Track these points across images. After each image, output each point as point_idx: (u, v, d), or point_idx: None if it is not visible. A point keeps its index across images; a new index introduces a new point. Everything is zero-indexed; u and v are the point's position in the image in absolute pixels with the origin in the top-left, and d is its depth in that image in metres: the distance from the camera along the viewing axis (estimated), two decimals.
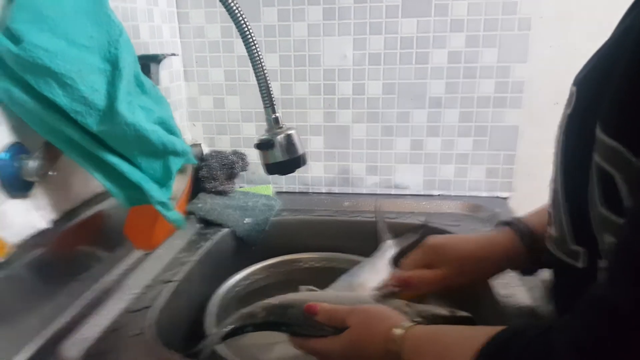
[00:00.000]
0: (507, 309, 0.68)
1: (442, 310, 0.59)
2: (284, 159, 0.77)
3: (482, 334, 0.43)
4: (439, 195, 1.12)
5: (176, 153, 0.64)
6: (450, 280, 0.63)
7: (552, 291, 0.56)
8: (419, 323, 0.53)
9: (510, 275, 0.74)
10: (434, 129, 1.08)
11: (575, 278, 0.47)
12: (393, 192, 1.14)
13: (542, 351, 0.37)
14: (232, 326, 0.62)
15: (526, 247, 0.61)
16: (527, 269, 0.64)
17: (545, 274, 0.68)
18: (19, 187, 0.63)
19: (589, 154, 0.40)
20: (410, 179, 1.13)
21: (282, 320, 0.61)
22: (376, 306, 0.58)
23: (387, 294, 0.64)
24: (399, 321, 0.53)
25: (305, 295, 0.64)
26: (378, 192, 1.15)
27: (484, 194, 1.11)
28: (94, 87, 0.59)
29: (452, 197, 1.11)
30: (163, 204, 0.65)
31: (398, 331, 0.51)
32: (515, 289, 0.72)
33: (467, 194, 1.11)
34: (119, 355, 0.60)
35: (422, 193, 1.13)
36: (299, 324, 0.60)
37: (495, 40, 1.01)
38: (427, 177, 1.12)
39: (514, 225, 0.63)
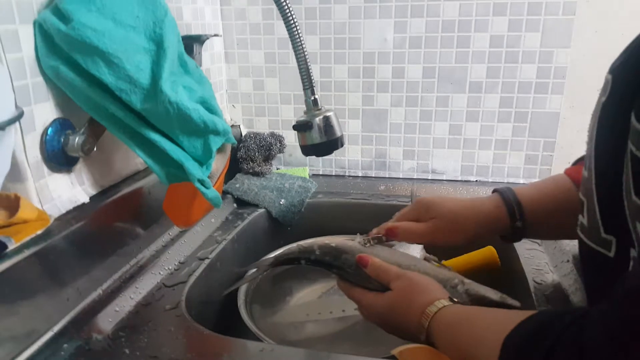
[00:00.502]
0: (538, 296, 0.67)
1: (493, 295, 0.58)
2: (322, 140, 0.77)
3: (513, 319, 0.43)
4: (476, 181, 1.11)
5: (216, 132, 0.65)
6: (433, 235, 0.65)
7: (583, 279, 0.55)
8: (462, 302, 0.54)
9: (543, 262, 0.73)
10: (474, 114, 1.06)
11: (607, 267, 0.46)
12: (430, 177, 1.13)
13: (574, 341, 0.37)
14: (288, 256, 0.68)
15: (510, 216, 0.63)
16: (506, 236, 0.66)
17: (576, 261, 0.68)
18: (63, 162, 0.65)
19: (624, 143, 0.39)
20: (447, 164, 1.11)
21: (335, 263, 0.66)
22: (424, 277, 0.59)
23: (372, 239, 0.68)
24: (437, 297, 0.54)
25: (361, 247, 0.67)
26: (415, 176, 1.13)
27: (522, 181, 1.08)
28: (139, 66, 0.60)
29: (490, 184, 1.09)
30: (202, 182, 0.66)
31: (432, 309, 0.52)
32: (547, 276, 0.71)
33: (505, 180, 1.09)
34: (151, 328, 0.62)
35: (459, 179, 1.11)
36: (350, 271, 0.64)
37: (538, 25, 0.98)
38: (465, 162, 1.10)
39: (504, 193, 0.65)
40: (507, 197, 0.64)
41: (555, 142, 1.05)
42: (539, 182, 0.67)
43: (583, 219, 0.51)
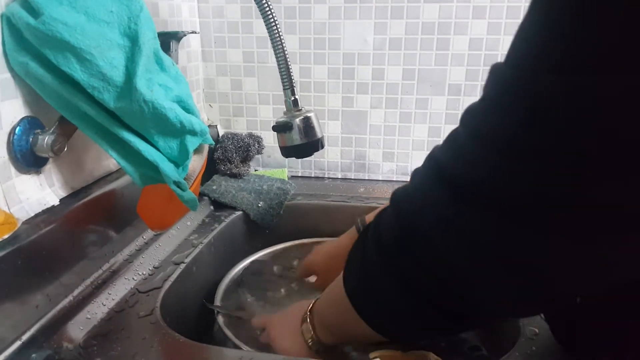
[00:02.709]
0: None
1: None
2: (302, 142, 0.76)
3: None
4: None
5: (194, 132, 0.63)
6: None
7: None
8: None
9: None
10: (453, 116, 1.06)
11: None
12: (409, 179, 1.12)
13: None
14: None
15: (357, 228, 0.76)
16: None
17: None
18: (32, 163, 0.62)
19: None
20: None
21: None
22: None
23: None
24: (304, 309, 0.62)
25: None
26: (394, 179, 1.13)
27: None
28: (112, 63, 0.58)
29: None
30: (178, 184, 0.64)
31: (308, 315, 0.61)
32: None
33: None
34: (125, 336, 0.60)
35: None
36: None
37: (516, 28, 0.98)
38: None
39: (357, 224, 0.76)
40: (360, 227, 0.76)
41: None
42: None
43: None
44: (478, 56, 1.01)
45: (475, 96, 1.03)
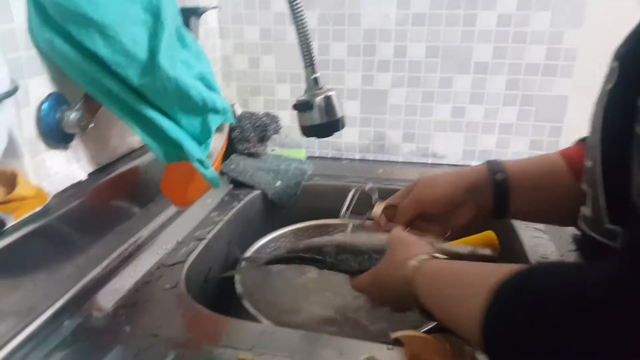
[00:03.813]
0: None
1: (464, 249, 0.61)
2: (322, 121, 0.75)
3: (504, 269, 0.41)
4: None
5: (216, 110, 0.63)
6: (416, 201, 0.66)
7: None
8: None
9: (550, 251, 0.73)
10: (478, 96, 1.04)
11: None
12: (430, 161, 1.11)
13: (573, 285, 0.36)
14: (273, 255, 0.71)
15: (488, 169, 0.64)
16: (492, 203, 0.65)
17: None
18: (60, 138, 0.63)
19: (631, 128, 0.39)
20: (448, 148, 1.10)
21: (318, 257, 0.68)
22: (408, 235, 0.61)
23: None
24: (420, 252, 0.55)
25: (337, 237, 0.70)
26: (414, 160, 1.12)
27: None
28: (135, 39, 0.58)
29: None
30: (201, 162, 0.65)
31: (412, 262, 0.53)
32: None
33: None
34: (150, 306, 0.62)
35: (460, 163, 1.10)
36: (332, 260, 0.66)
37: (548, 3, 0.95)
38: (467, 146, 1.09)
39: (492, 162, 0.65)
40: (490, 160, 0.66)
41: (561, 128, 1.03)
42: (533, 157, 0.67)
43: (586, 210, 0.50)
44: (506, 33, 0.99)
45: (503, 74, 1.02)
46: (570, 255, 0.71)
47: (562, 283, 0.37)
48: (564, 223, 0.68)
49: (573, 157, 0.60)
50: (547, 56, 0.99)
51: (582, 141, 0.62)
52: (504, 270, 0.41)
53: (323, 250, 0.67)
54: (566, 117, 1.02)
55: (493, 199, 0.64)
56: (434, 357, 0.46)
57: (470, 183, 0.64)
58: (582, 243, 0.53)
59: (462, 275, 0.48)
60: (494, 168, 0.64)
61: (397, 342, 0.52)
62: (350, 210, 0.78)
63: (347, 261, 0.65)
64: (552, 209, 0.63)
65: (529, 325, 0.36)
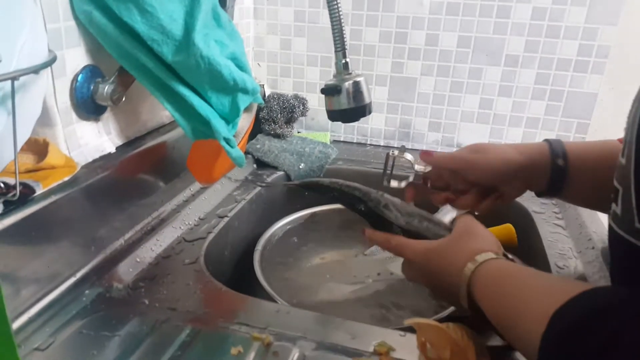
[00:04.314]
0: None
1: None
2: (349, 106, 0.75)
3: (566, 290, 0.41)
4: None
5: (245, 90, 0.64)
6: (468, 160, 0.62)
7: (610, 269, 0.54)
8: None
9: (567, 247, 0.72)
10: (507, 88, 1.03)
11: (637, 258, 0.44)
12: (454, 150, 1.10)
13: (632, 337, 0.35)
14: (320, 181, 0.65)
15: (551, 151, 0.60)
16: (546, 183, 0.61)
17: (603, 249, 0.68)
18: (92, 110, 0.65)
19: None
20: (474, 139, 1.08)
21: (363, 197, 0.62)
22: (481, 227, 0.57)
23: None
24: (489, 249, 0.52)
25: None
26: (438, 149, 1.11)
27: None
28: (172, 17, 0.58)
29: None
30: (228, 140, 0.66)
31: (477, 258, 0.50)
32: (571, 261, 0.70)
33: None
34: (170, 281, 0.63)
35: None
36: (375, 206, 0.61)
37: None
38: (492, 138, 1.08)
39: (553, 143, 0.61)
40: (551, 140, 0.62)
41: (589, 125, 1.01)
42: (599, 142, 0.63)
43: (616, 207, 0.49)
44: (540, 27, 0.97)
45: (533, 68, 1.00)
46: (589, 253, 0.70)
47: (620, 334, 0.35)
48: None
49: None
50: (579, 52, 0.97)
51: None
52: (567, 290, 0.40)
53: (370, 195, 0.62)
54: (594, 114, 1.00)
55: (548, 182, 0.61)
56: (445, 346, 0.46)
57: (529, 159, 0.61)
58: (610, 240, 0.52)
59: (525, 290, 0.46)
60: (555, 150, 0.60)
61: (410, 329, 0.51)
62: (391, 175, 0.72)
63: (394, 214, 0.60)
64: (606, 197, 0.61)
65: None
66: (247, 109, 0.74)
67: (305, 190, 0.69)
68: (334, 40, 0.73)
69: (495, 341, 0.52)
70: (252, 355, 0.50)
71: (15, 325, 0.52)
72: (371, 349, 0.51)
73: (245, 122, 0.73)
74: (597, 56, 0.96)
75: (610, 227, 0.50)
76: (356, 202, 0.63)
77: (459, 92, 1.06)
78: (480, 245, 0.52)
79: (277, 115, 1.09)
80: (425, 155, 0.65)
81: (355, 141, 1.17)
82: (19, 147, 0.46)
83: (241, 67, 0.65)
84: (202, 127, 0.65)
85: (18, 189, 0.50)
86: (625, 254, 0.48)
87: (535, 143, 0.63)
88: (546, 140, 0.62)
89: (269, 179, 0.97)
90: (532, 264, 0.74)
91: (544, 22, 0.96)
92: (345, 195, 0.64)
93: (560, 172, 0.60)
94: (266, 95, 1.13)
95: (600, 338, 0.36)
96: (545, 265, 0.69)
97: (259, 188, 0.92)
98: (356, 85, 0.75)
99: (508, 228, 0.79)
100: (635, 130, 0.45)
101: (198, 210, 0.81)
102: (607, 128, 1.00)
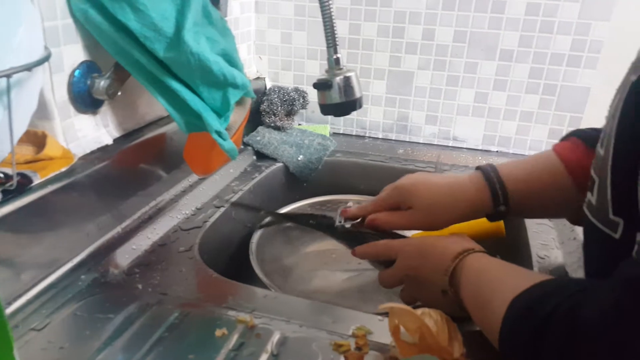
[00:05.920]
0: (540, 271, 0.68)
1: None
2: (340, 101, 0.77)
3: (528, 280, 0.45)
4: (497, 151, 1.10)
5: (235, 85, 0.66)
6: (413, 225, 0.65)
7: (584, 257, 0.56)
8: None
9: (550, 237, 0.74)
10: (501, 83, 1.04)
11: (610, 248, 0.46)
12: (451, 144, 1.12)
13: (566, 317, 0.39)
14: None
15: (493, 201, 0.61)
16: (489, 216, 0.64)
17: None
18: (89, 104, 0.67)
19: None
20: (470, 132, 1.10)
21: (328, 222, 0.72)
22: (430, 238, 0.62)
23: (353, 229, 0.70)
24: (468, 247, 0.57)
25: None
26: (435, 142, 1.13)
27: None
28: (164, 15, 0.61)
29: (510, 155, 1.08)
30: (219, 133, 0.68)
31: (462, 255, 0.55)
32: (552, 251, 0.72)
33: (526, 152, 1.08)
34: (164, 267, 0.65)
35: (480, 148, 1.10)
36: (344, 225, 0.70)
37: None
38: (487, 132, 1.09)
39: (487, 174, 0.62)
40: (491, 180, 0.62)
41: (581, 118, 1.02)
42: (525, 160, 0.64)
43: (592, 197, 0.50)
44: (534, 22, 0.98)
45: (527, 63, 1.01)
46: (570, 244, 0.72)
47: (557, 314, 0.40)
48: (556, 216, 0.71)
49: (571, 160, 0.60)
50: (572, 47, 0.97)
51: (577, 136, 0.62)
52: (531, 280, 0.45)
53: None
54: (587, 108, 1.01)
55: (493, 219, 0.65)
56: (416, 329, 0.48)
57: (472, 215, 0.64)
58: (585, 229, 0.53)
59: (496, 281, 0.50)
60: (495, 196, 0.61)
61: (387, 314, 0.54)
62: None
63: (367, 234, 0.67)
64: (547, 210, 0.65)
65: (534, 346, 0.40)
66: (240, 103, 0.76)
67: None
68: (326, 37, 0.75)
69: (472, 327, 0.54)
70: (235, 336, 0.52)
71: (14, 307, 0.55)
72: (350, 332, 0.54)
73: (237, 115, 0.75)
74: (590, 51, 0.97)
75: (585, 216, 0.52)
76: (327, 226, 0.73)
77: (455, 86, 1.07)
78: (467, 246, 0.57)
79: (278, 107, 1.11)
80: (344, 213, 0.71)
81: (354, 133, 1.19)
82: (15, 140, 0.49)
83: (232, 62, 0.68)
84: (194, 121, 0.67)
85: (15, 178, 0.53)
86: (598, 243, 0.49)
87: (474, 191, 0.62)
88: (486, 185, 0.62)
89: (267, 170, 0.99)
90: (517, 254, 0.76)
91: (538, 17, 0.97)
92: (315, 219, 0.76)
93: (501, 215, 0.62)
94: (267, 87, 1.16)
95: (539, 318, 0.40)
96: (527, 255, 0.71)
97: (256, 179, 0.95)
98: (347, 80, 0.77)
99: None
100: (615, 122, 0.46)
101: (195, 200, 0.83)
102: (599, 122, 0.99)
